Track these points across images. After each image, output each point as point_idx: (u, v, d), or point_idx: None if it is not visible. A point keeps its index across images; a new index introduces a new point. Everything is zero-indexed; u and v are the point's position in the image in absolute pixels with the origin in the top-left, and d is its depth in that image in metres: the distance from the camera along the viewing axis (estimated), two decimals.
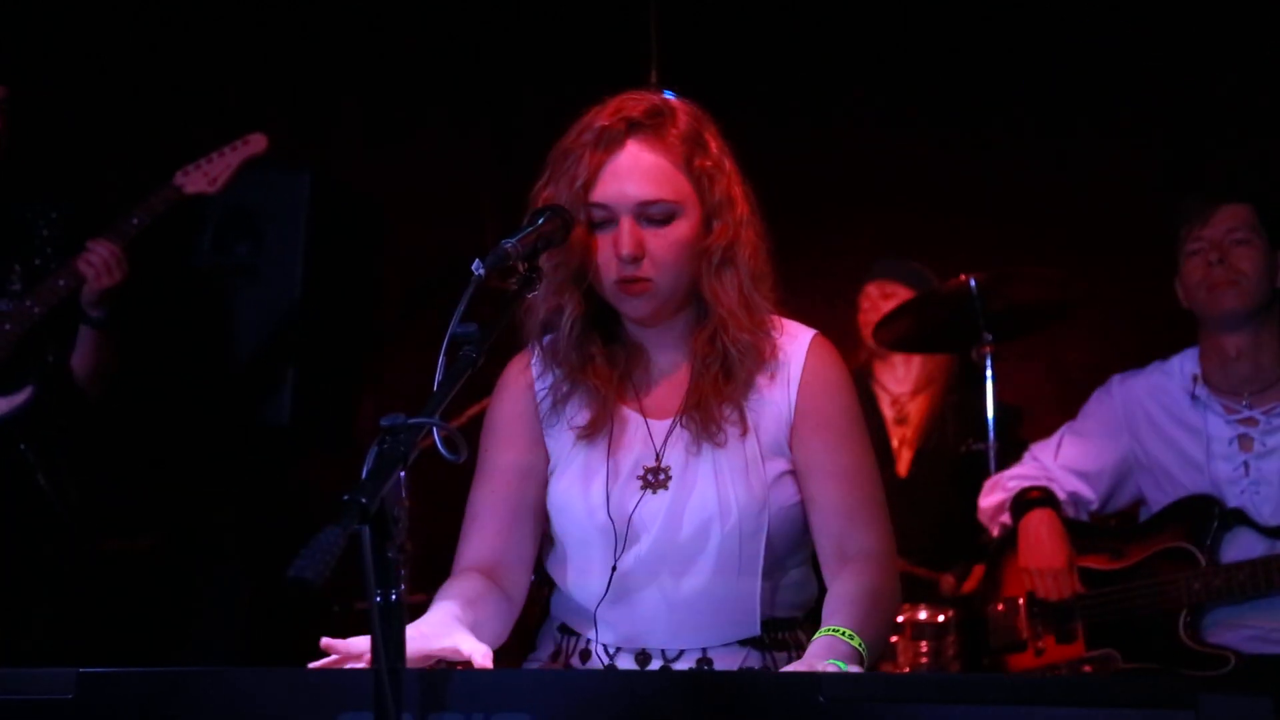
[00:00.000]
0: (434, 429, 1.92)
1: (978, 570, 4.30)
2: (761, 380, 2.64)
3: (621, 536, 2.60)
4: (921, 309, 4.45)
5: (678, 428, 2.64)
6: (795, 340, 2.68)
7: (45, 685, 1.89)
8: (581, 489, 2.64)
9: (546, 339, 2.69)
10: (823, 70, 5.54)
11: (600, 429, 2.64)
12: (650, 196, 2.56)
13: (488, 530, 2.66)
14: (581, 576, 2.66)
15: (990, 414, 4.14)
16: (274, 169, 4.40)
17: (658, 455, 2.64)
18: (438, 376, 2.04)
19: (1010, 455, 4.26)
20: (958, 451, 4.71)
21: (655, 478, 2.62)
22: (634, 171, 2.56)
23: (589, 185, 2.56)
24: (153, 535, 4.53)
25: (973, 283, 4.15)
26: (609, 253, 2.57)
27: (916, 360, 4.95)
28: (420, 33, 5.69)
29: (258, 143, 4.19)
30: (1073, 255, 5.23)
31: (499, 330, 2.16)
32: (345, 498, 1.72)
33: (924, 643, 4.27)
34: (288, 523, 4.69)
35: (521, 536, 2.67)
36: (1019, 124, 5.46)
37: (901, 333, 4.47)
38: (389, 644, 1.76)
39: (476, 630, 2.40)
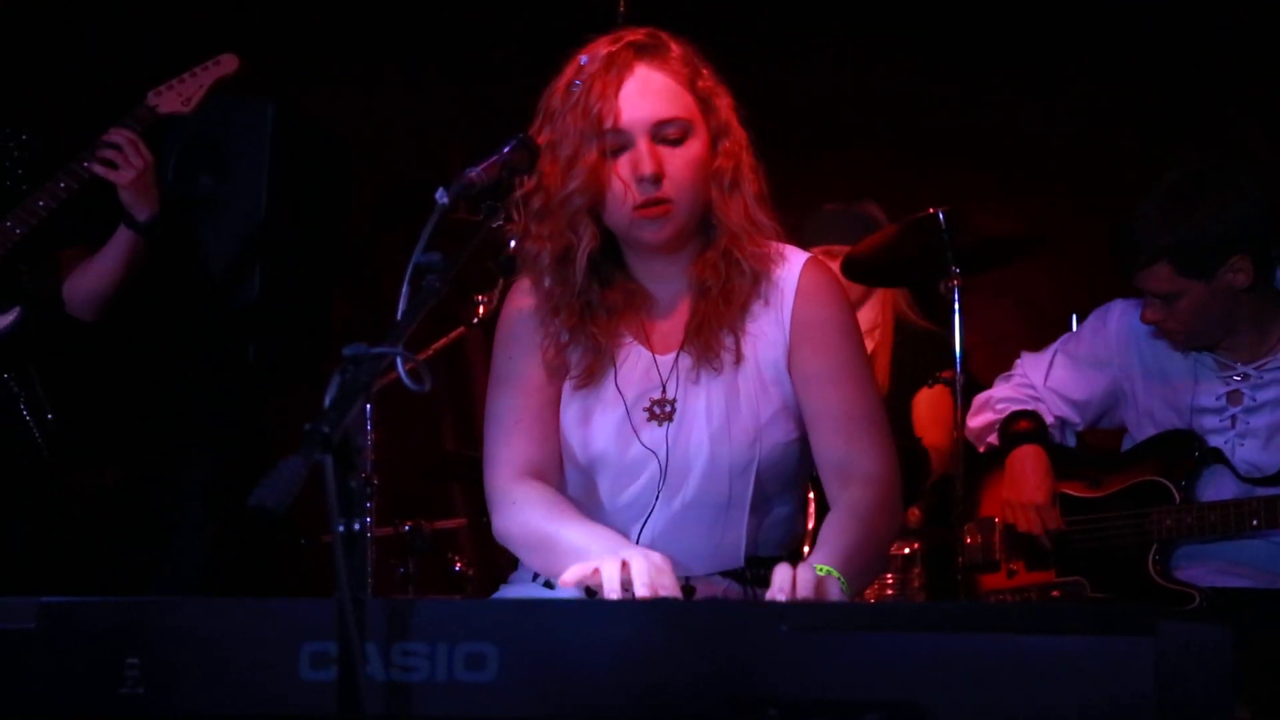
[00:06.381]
0: (398, 359, 1.90)
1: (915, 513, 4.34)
2: (757, 308, 2.66)
3: (628, 467, 2.65)
4: (889, 242, 4.42)
5: (681, 359, 2.66)
6: (788, 264, 2.70)
7: (6, 614, 1.88)
8: (590, 421, 2.67)
9: (548, 283, 2.67)
10: (789, 6, 5.50)
11: (599, 376, 2.67)
12: (666, 115, 2.58)
13: (528, 438, 2.68)
14: (584, 504, 2.69)
15: (958, 346, 4.13)
16: (238, 99, 4.35)
17: (663, 387, 2.66)
18: (401, 306, 2.03)
19: (970, 389, 4.25)
20: (924, 384, 4.70)
21: (661, 409, 2.66)
22: (646, 92, 2.58)
23: (603, 113, 2.56)
24: (119, 470, 4.50)
25: (940, 215, 4.14)
26: (625, 178, 2.57)
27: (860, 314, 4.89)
28: None
29: (229, 63, 4.13)
30: (1042, 192, 5.23)
31: (464, 260, 2.14)
32: (307, 427, 1.70)
33: (890, 575, 4.29)
34: (256, 456, 4.67)
35: (556, 446, 2.71)
36: (989, 62, 5.44)
37: (869, 265, 4.45)
38: (352, 573, 1.75)
39: None
